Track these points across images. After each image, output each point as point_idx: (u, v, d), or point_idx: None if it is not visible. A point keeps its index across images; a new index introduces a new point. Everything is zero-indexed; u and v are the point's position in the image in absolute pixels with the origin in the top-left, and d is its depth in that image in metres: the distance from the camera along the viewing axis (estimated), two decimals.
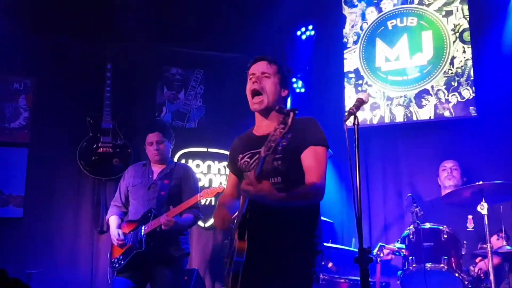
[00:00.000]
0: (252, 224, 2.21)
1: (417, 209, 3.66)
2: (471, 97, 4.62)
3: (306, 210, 2.31)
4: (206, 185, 5.20)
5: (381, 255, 3.73)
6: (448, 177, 4.24)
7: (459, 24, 4.78)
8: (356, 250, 2.20)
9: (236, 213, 2.41)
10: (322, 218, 4.19)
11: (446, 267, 3.49)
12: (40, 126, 4.98)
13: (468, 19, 4.75)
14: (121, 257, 3.73)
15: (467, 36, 4.73)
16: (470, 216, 4.03)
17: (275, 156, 2.19)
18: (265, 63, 2.43)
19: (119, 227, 3.82)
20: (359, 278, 2.15)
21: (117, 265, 3.73)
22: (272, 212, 2.20)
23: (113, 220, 3.87)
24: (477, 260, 3.72)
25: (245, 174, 2.42)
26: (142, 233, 3.65)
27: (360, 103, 2.35)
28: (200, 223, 4.96)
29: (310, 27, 5.42)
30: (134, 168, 4.03)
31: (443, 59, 4.78)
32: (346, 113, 2.33)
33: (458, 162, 4.30)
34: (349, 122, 2.29)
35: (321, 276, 2.69)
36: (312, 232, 2.34)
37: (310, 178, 2.26)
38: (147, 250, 3.61)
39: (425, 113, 4.77)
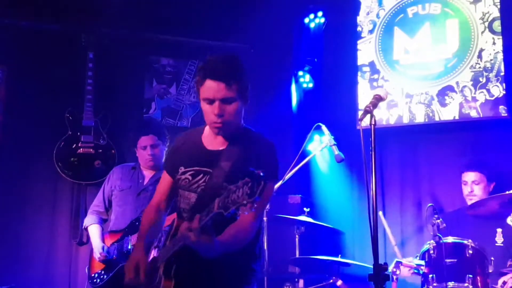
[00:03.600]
0: (181, 262, 2.31)
1: (438, 221, 3.67)
2: (501, 95, 4.66)
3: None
4: None
5: (398, 272, 3.76)
6: (469, 196, 4.21)
7: (488, 12, 4.82)
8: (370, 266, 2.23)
9: (153, 254, 2.48)
10: (332, 226, 4.25)
11: (471, 286, 3.51)
12: (12, 122, 5.00)
13: (499, 6, 4.79)
14: (102, 272, 3.75)
15: (497, 25, 4.77)
16: (499, 230, 4.05)
17: (225, 186, 2.19)
18: (223, 86, 2.31)
19: (103, 238, 3.83)
20: None
21: (98, 281, 3.75)
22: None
23: (95, 230, 3.88)
24: (505, 279, 3.75)
25: (183, 193, 2.45)
26: (129, 246, 3.67)
27: (377, 100, 2.39)
28: None
29: (320, 13, 5.45)
30: (121, 169, 4.04)
31: (470, 51, 4.82)
32: (361, 112, 2.36)
33: (482, 172, 4.22)
34: (365, 121, 2.33)
35: None
36: (249, 265, 2.44)
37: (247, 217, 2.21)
38: None
39: (449, 113, 4.81)
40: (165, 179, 2.61)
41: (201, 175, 2.41)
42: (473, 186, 4.20)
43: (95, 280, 3.77)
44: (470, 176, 4.23)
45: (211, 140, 2.46)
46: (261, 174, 1.86)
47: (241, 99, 2.36)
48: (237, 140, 2.41)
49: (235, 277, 2.39)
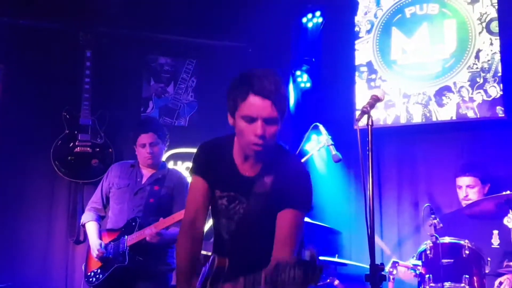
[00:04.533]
0: None
1: (435, 221, 3.68)
2: (499, 95, 4.66)
3: None
4: None
5: (394, 272, 3.76)
6: (464, 200, 4.19)
7: (486, 12, 4.82)
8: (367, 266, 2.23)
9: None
10: (329, 226, 4.24)
11: (467, 287, 3.51)
12: (9, 121, 4.99)
13: (496, 7, 4.79)
14: (98, 271, 3.74)
15: (495, 26, 4.77)
16: (495, 231, 4.06)
17: (263, 217, 2.20)
18: (269, 104, 2.12)
19: (100, 236, 3.83)
20: None
21: (94, 280, 3.74)
22: None
23: (92, 228, 3.87)
24: (502, 280, 3.76)
25: (220, 219, 2.33)
26: (125, 245, 3.66)
27: (374, 101, 2.39)
28: None
29: (318, 13, 5.44)
30: (120, 167, 4.02)
31: (467, 52, 4.82)
32: (358, 112, 2.36)
33: (475, 176, 4.18)
34: (362, 122, 2.33)
35: None
36: None
37: (284, 252, 2.14)
38: (130, 264, 3.63)
39: (446, 113, 4.81)
40: (202, 185, 2.34)
41: (237, 202, 2.29)
42: (467, 190, 4.19)
43: (91, 279, 3.76)
44: (464, 181, 4.22)
45: (243, 161, 2.28)
46: (317, 262, 1.70)
47: (281, 121, 2.18)
48: (271, 165, 2.25)
49: None
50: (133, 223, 3.71)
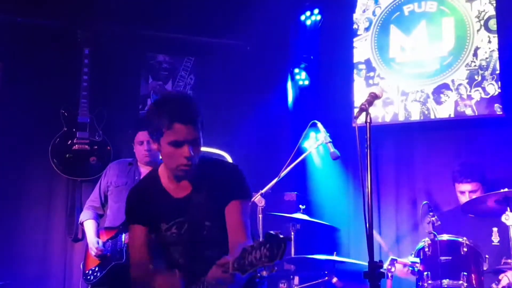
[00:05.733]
0: None
1: (433, 218, 3.68)
2: (497, 93, 4.66)
3: None
4: None
5: (392, 269, 3.77)
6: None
7: (484, 10, 4.82)
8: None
9: None
10: (327, 223, 4.26)
11: (465, 284, 3.51)
12: (7, 118, 4.98)
13: (494, 5, 4.79)
14: (96, 269, 3.75)
15: (493, 24, 4.77)
16: (495, 229, 4.04)
17: (207, 225, 2.34)
18: (192, 128, 2.29)
19: (98, 234, 3.83)
20: None
21: (91, 278, 3.74)
22: None
23: (90, 226, 3.87)
24: (500, 277, 3.76)
25: (171, 248, 2.42)
26: (123, 243, 3.66)
27: (373, 98, 2.40)
28: None
29: (316, 11, 5.45)
30: (118, 165, 4.03)
31: (465, 49, 4.82)
32: (357, 109, 2.36)
33: (477, 181, 4.12)
34: (360, 119, 2.33)
35: None
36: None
37: (240, 236, 2.31)
38: (128, 261, 3.62)
39: (445, 111, 4.81)
40: (141, 232, 2.45)
41: (186, 225, 2.39)
42: (471, 195, 4.13)
43: (89, 277, 3.77)
44: (466, 187, 4.15)
45: (175, 187, 2.41)
46: (281, 236, 1.79)
47: (203, 137, 2.35)
48: (199, 178, 2.38)
49: None
50: None
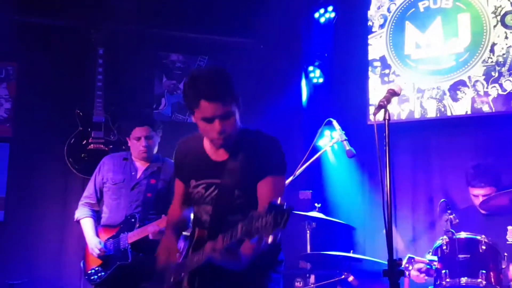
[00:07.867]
0: (205, 275, 2.34)
1: (451, 216, 3.65)
2: None
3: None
4: None
5: (410, 268, 3.75)
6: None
7: (501, 6, 4.78)
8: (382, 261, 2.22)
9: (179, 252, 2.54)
10: (343, 222, 4.24)
11: (484, 282, 3.49)
12: (24, 118, 5.04)
13: (511, 0, 4.75)
14: (99, 269, 3.71)
15: (510, 19, 4.73)
16: (510, 227, 4.02)
17: (237, 193, 2.38)
18: (220, 104, 2.30)
19: (97, 232, 3.78)
20: None
21: (95, 278, 3.69)
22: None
23: (88, 224, 3.81)
24: None
25: (198, 206, 2.53)
26: (127, 243, 3.64)
27: (391, 95, 2.38)
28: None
29: (330, 8, 5.43)
30: (112, 160, 3.95)
31: (482, 46, 4.78)
32: (372, 107, 2.35)
33: (491, 185, 4.04)
34: (378, 116, 2.32)
35: None
36: (273, 270, 2.48)
37: None
38: (134, 262, 3.61)
39: (461, 108, 4.78)
40: (180, 186, 2.67)
41: (213, 187, 2.45)
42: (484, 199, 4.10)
43: (92, 277, 3.71)
44: (479, 191, 4.10)
45: (214, 151, 2.47)
46: (285, 206, 1.83)
47: (237, 109, 2.36)
48: (238, 147, 2.42)
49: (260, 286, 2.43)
50: (132, 220, 3.68)
